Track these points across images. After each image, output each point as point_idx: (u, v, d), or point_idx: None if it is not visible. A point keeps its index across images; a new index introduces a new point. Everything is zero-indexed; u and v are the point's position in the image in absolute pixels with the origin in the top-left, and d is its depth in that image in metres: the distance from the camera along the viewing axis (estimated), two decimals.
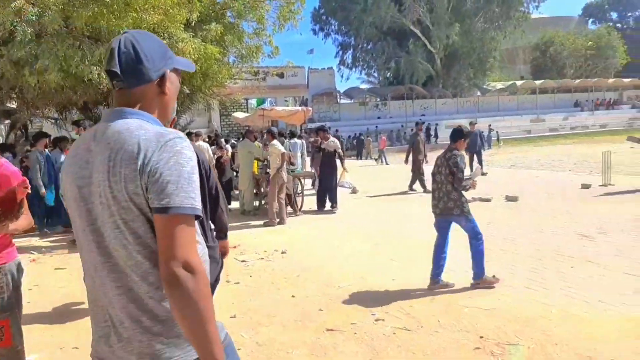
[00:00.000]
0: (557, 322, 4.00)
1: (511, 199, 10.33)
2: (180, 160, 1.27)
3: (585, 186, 11.48)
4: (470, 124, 17.42)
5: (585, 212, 8.65)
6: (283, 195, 9.01)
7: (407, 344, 3.73)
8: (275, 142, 8.98)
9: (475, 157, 14.77)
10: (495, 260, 5.88)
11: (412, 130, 17.48)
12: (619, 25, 73.98)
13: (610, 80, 51.12)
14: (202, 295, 1.23)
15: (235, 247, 7.03)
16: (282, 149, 9.03)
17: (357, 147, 30.99)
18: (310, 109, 16.43)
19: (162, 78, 1.43)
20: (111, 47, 1.38)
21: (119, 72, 1.36)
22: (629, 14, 76.06)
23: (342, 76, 49.09)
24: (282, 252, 6.75)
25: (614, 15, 76.74)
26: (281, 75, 29.43)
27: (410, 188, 12.59)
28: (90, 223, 1.34)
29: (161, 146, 1.27)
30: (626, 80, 52.35)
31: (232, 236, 5.31)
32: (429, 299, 4.69)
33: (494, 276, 4.96)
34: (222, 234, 2.98)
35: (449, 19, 38.20)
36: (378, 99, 43.27)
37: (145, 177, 1.25)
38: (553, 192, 11.32)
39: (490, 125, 36.01)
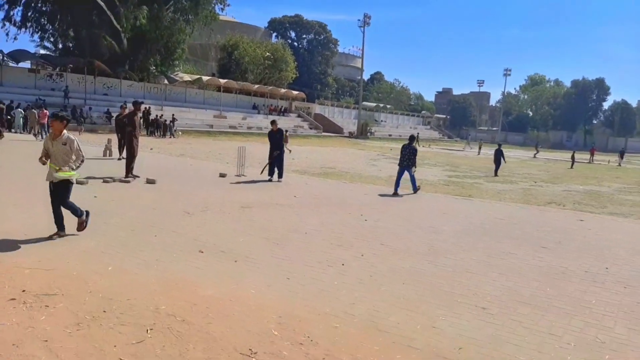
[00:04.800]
0: (108, 276, 4.74)
1: (150, 181, 11.13)
2: None
3: (222, 175, 13.32)
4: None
5: (201, 194, 10.11)
6: None
7: None
8: None
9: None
10: (96, 232, 6.36)
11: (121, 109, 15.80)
12: (295, 44, 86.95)
13: (283, 90, 59.62)
14: None
15: None
16: None
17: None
18: None
19: None
20: None
21: None
22: (304, 36, 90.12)
23: (7, 34, 41.29)
24: None
25: (293, 34, 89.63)
26: None
27: (130, 174, 11.58)
28: None
29: None
30: (295, 92, 62.04)
31: None
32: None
33: None
34: None
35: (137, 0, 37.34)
36: (52, 69, 38.79)
37: None
38: (193, 178, 12.71)
39: (173, 115, 37.07)
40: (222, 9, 45.17)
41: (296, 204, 9.77)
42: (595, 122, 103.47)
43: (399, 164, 12.80)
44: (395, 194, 12.06)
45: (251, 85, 53.94)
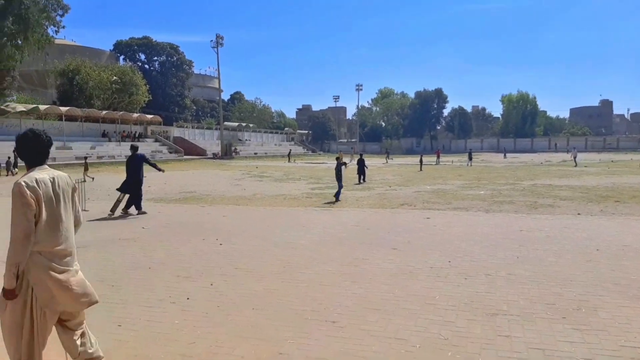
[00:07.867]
0: None
1: None
2: None
3: None
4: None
5: None
6: None
7: None
8: None
9: None
10: None
11: None
12: (146, 66, 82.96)
13: (136, 115, 56.23)
14: None
15: None
16: None
17: None
18: None
19: None
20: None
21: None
22: (155, 58, 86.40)
23: None
24: None
25: (143, 56, 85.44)
26: None
27: None
28: None
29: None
30: (149, 116, 58.93)
31: None
32: None
33: None
34: None
35: None
36: None
37: None
38: None
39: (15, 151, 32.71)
40: (57, 32, 41.30)
41: (142, 236, 8.92)
42: (438, 127, 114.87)
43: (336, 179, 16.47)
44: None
45: (98, 111, 49.94)
